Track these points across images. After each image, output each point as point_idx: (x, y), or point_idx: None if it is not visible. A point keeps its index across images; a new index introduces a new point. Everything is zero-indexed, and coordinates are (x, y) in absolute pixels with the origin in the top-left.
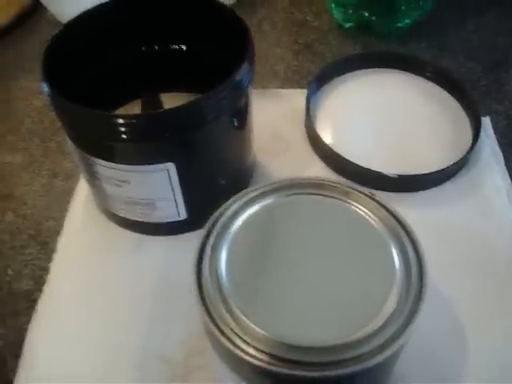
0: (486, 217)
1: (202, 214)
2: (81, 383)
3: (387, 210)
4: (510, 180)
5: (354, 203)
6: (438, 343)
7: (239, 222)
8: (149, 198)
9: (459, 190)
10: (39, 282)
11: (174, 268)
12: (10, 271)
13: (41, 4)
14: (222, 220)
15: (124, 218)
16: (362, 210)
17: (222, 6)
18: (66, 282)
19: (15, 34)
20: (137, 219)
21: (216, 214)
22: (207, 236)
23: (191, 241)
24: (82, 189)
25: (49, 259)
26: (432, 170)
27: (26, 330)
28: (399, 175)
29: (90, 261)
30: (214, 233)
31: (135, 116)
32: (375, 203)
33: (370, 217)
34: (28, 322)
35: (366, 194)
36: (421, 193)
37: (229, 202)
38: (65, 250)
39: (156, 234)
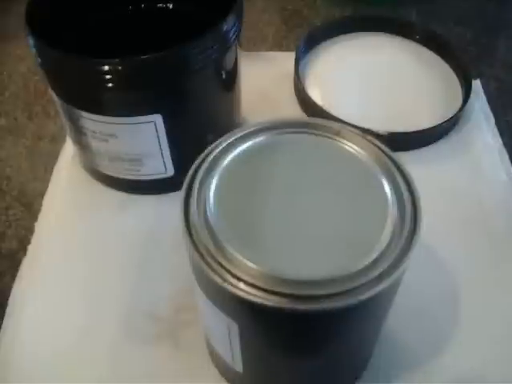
0: (477, 175)
1: None
2: (66, 339)
3: (379, 148)
4: (500, 139)
5: (346, 142)
6: (431, 301)
7: (228, 158)
8: (135, 153)
9: (450, 148)
10: (24, 242)
11: (160, 226)
12: None
13: None
14: (211, 157)
15: (110, 176)
16: (354, 149)
17: None
18: (50, 242)
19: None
20: (123, 177)
21: (205, 151)
22: (195, 172)
23: (177, 198)
24: (68, 150)
25: (33, 219)
26: (422, 129)
27: (9, 289)
28: (390, 133)
29: (76, 220)
30: (203, 168)
31: (120, 61)
32: (367, 142)
33: (362, 155)
34: (12, 281)
35: (357, 134)
36: (412, 152)
37: (217, 141)
38: (50, 210)
39: (143, 192)
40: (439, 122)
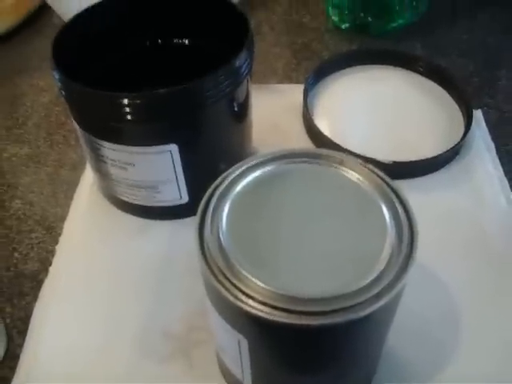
0: (478, 203)
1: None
2: (84, 357)
3: (378, 176)
4: (501, 168)
5: (348, 170)
6: (431, 323)
7: (240, 185)
8: (152, 180)
9: (452, 177)
10: (45, 264)
11: (175, 250)
12: (16, 254)
13: (48, 6)
14: (224, 184)
15: (128, 202)
16: (356, 177)
17: (224, 0)
18: (71, 264)
19: (23, 35)
20: (140, 203)
21: (219, 179)
22: (210, 198)
23: (191, 224)
24: (88, 177)
25: (54, 242)
26: (425, 157)
27: (31, 308)
28: (394, 162)
29: (94, 244)
30: (216, 194)
31: (138, 95)
32: (368, 170)
33: (363, 182)
34: (33, 301)
35: (359, 163)
36: (415, 179)
37: (230, 170)
38: (70, 233)
39: (158, 218)
40: (441, 152)
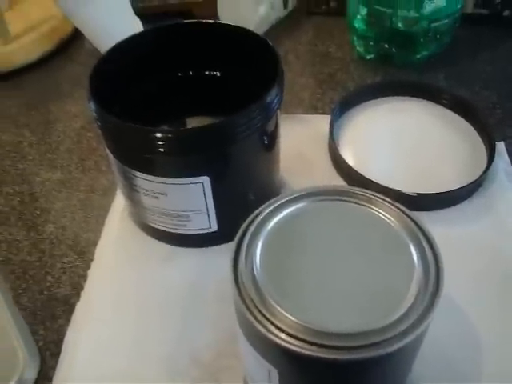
0: (501, 236)
1: (232, 227)
2: (114, 379)
3: (406, 214)
4: None
5: (376, 209)
6: (455, 349)
7: (273, 222)
8: (183, 209)
9: (475, 209)
10: (77, 288)
11: (203, 277)
12: (49, 278)
13: (79, 33)
14: (257, 220)
15: (158, 229)
16: (384, 215)
17: (254, 34)
18: (102, 289)
19: (56, 61)
20: (170, 231)
21: (253, 215)
22: (244, 233)
23: (220, 252)
24: (118, 204)
25: (86, 267)
26: (448, 190)
27: (63, 331)
28: (418, 194)
29: (125, 269)
30: (250, 230)
31: (172, 131)
32: (395, 209)
33: (391, 221)
34: (66, 324)
35: (386, 201)
36: (438, 211)
37: (263, 206)
38: (101, 259)
39: (187, 245)
40: (464, 184)
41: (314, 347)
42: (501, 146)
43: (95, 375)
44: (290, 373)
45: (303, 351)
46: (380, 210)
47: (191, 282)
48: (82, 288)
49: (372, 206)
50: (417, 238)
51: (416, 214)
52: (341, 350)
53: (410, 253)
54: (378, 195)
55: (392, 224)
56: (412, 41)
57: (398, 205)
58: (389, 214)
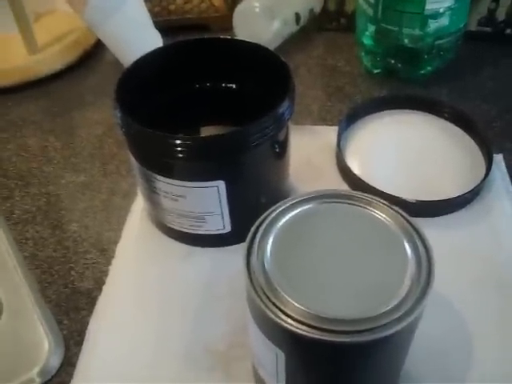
0: (494, 242)
1: (244, 228)
2: (133, 367)
3: (402, 216)
4: None
5: (376, 210)
6: (449, 347)
7: (282, 221)
8: (200, 211)
9: (472, 217)
10: (99, 283)
11: (218, 275)
12: (73, 273)
13: (101, 44)
14: (268, 219)
15: (176, 229)
16: (382, 216)
17: (268, 50)
18: (122, 283)
19: (80, 71)
20: (187, 231)
21: (264, 214)
22: (256, 231)
23: (233, 252)
24: (138, 205)
25: (107, 263)
26: (447, 198)
27: (86, 322)
28: (417, 201)
29: (144, 266)
30: (261, 229)
31: (192, 138)
32: (392, 211)
33: (388, 221)
34: (88, 315)
35: (385, 204)
36: (437, 218)
37: (274, 206)
38: (122, 257)
39: (203, 245)
40: (463, 192)
41: (316, 331)
42: (499, 158)
43: (115, 363)
44: (295, 355)
45: (307, 334)
46: (379, 212)
47: (206, 279)
48: (103, 282)
49: (371, 208)
50: (411, 236)
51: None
52: (340, 334)
53: (405, 249)
54: (378, 199)
55: (389, 224)
56: (417, 57)
57: (394, 207)
58: (386, 216)
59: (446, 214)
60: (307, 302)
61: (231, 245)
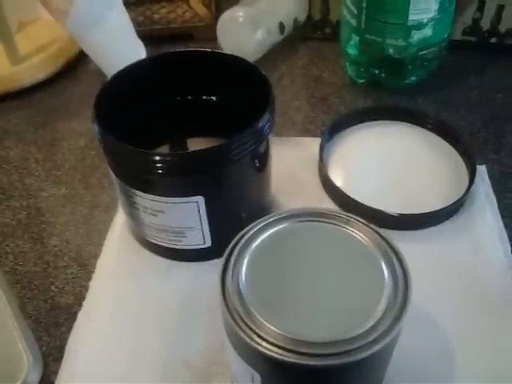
0: (477, 254)
1: (225, 243)
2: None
3: (379, 235)
4: (501, 221)
5: (352, 229)
6: (430, 362)
7: (257, 241)
8: (179, 226)
9: (455, 229)
10: (79, 298)
11: (197, 289)
12: (53, 288)
13: (84, 54)
14: (245, 238)
15: (156, 244)
16: (359, 235)
17: (248, 63)
18: (102, 298)
19: (63, 81)
20: (167, 246)
21: (240, 234)
22: (231, 251)
23: (213, 266)
24: (119, 219)
25: (88, 278)
26: (430, 211)
27: (65, 338)
28: (400, 214)
29: (124, 281)
30: (237, 248)
31: (171, 154)
32: (370, 229)
33: (365, 240)
34: (68, 331)
35: (362, 223)
36: (420, 231)
37: (250, 225)
38: (102, 271)
39: (183, 259)
40: (446, 205)
41: (291, 354)
42: (482, 169)
43: (94, 379)
44: (271, 377)
45: (282, 358)
46: (356, 231)
47: (186, 293)
48: (83, 298)
49: (348, 227)
50: (388, 257)
51: (390, 234)
52: (316, 357)
53: (381, 269)
54: (355, 217)
55: (366, 243)
56: (401, 67)
57: (372, 226)
58: (364, 235)
59: (430, 226)
60: (282, 324)
61: (212, 259)
